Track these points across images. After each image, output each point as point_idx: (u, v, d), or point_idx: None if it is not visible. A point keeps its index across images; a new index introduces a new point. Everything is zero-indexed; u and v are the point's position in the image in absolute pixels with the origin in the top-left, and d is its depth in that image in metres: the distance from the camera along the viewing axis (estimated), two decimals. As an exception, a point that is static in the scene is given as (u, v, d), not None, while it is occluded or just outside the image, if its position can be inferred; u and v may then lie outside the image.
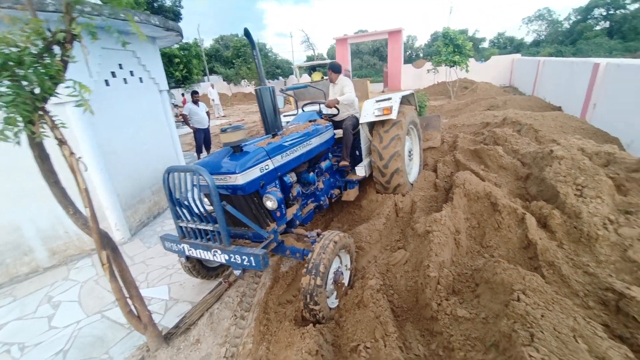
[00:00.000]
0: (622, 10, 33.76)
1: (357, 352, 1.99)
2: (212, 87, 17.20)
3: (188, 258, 2.75)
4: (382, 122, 3.83)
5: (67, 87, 1.70)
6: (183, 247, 2.54)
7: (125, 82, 4.26)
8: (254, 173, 2.50)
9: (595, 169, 2.68)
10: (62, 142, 1.82)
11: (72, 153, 1.86)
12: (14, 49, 1.58)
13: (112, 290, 2.13)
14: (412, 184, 4.21)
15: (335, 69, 4.00)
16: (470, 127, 6.22)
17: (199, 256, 2.50)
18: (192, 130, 7.49)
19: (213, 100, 16.77)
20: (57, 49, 1.71)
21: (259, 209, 2.63)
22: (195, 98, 7.23)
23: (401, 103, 4.06)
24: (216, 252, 2.38)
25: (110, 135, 3.96)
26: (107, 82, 3.93)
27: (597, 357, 1.41)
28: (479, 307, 2.06)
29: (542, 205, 2.80)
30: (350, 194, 3.88)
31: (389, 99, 3.81)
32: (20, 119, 1.63)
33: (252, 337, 2.56)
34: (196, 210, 2.35)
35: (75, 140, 3.43)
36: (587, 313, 1.94)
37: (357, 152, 4.05)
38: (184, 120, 7.20)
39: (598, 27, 36.08)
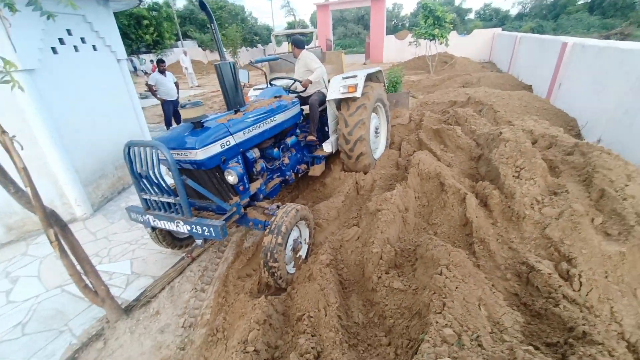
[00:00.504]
0: (604, -14, 33.74)
1: (302, 321, 2.18)
2: (185, 54, 16.26)
3: (154, 229, 2.90)
4: (348, 99, 3.84)
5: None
6: (148, 218, 2.64)
7: (77, 50, 4.00)
8: (215, 149, 2.55)
9: (533, 152, 2.88)
10: (-8, 121, 1.77)
11: (4, 132, 1.81)
12: None
13: (65, 267, 2.18)
14: (375, 160, 4.33)
15: (298, 43, 3.99)
16: (439, 105, 6.34)
17: (163, 227, 2.60)
18: (160, 102, 7.19)
19: (186, 68, 15.92)
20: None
21: (220, 183, 2.73)
22: (162, 67, 6.87)
23: (370, 80, 4.07)
24: (179, 222, 2.49)
25: (64, 108, 3.79)
26: (54, 50, 3.68)
27: (493, 322, 1.64)
28: (413, 279, 2.28)
29: (486, 185, 3.01)
30: (317, 170, 3.95)
31: (355, 76, 3.82)
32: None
33: (211, 309, 2.72)
34: (157, 185, 2.44)
35: (21, 114, 3.27)
36: (505, 284, 2.19)
37: (326, 128, 4.10)
38: (150, 91, 6.89)
39: (581, 2, 36.12)
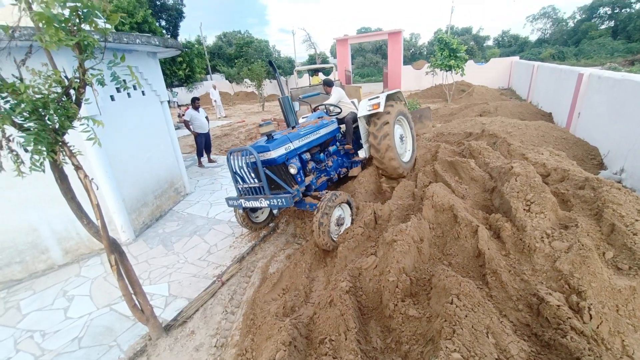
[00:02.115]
0: (628, 10, 33.50)
1: (324, 344, 2.38)
2: (214, 87, 17.53)
3: (244, 209, 4.23)
4: (374, 116, 4.90)
5: (82, 124, 2.09)
6: (241, 202, 3.90)
7: (129, 96, 4.64)
8: (281, 151, 3.85)
9: (542, 187, 3.03)
10: (78, 168, 2.22)
11: (86, 175, 2.25)
12: (39, 96, 1.96)
13: (119, 288, 2.53)
14: (408, 165, 5.31)
15: (329, 83, 5.55)
16: (455, 135, 6.55)
17: (251, 205, 3.84)
18: (192, 135, 7.87)
19: (215, 101, 17.11)
20: (72, 92, 2.10)
21: (286, 174, 3.96)
22: (197, 104, 7.60)
23: (391, 100, 5.22)
24: (262, 200, 3.72)
25: (116, 146, 4.36)
26: (112, 98, 4.32)
27: (500, 349, 1.78)
28: (427, 307, 2.44)
29: (499, 217, 3.16)
30: (355, 171, 5.41)
31: (378, 97, 4.90)
32: (44, 149, 2.02)
33: (240, 330, 2.97)
34: (248, 176, 3.84)
35: (86, 154, 3.83)
36: (517, 315, 2.30)
37: (360, 140, 5.21)
38: (186, 126, 7.59)
39: (603, 27, 35.83)
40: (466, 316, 1.96)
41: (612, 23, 35.13)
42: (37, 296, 3.53)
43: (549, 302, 2.13)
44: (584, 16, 37.69)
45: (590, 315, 2.07)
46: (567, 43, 35.16)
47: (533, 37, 44.17)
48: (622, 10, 33.73)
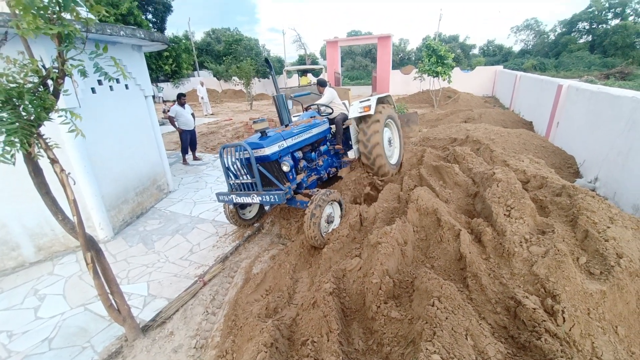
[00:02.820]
0: (604, 25, 35.15)
1: (306, 345, 2.37)
2: (202, 84, 17.24)
3: (234, 205, 4.24)
4: (365, 117, 5.03)
5: (60, 115, 2.00)
6: (232, 197, 3.86)
7: (112, 89, 4.50)
8: (275, 148, 3.88)
9: (522, 193, 3.12)
10: (54, 161, 2.13)
11: (62, 170, 2.16)
12: (13, 85, 1.87)
13: (95, 287, 2.44)
14: (395, 166, 5.48)
15: (322, 83, 5.61)
16: (440, 141, 6.68)
17: (242, 201, 3.83)
18: (177, 131, 7.70)
19: (202, 98, 16.82)
20: (50, 82, 2.01)
21: (278, 171, 4.00)
22: (183, 100, 7.45)
23: (381, 103, 5.41)
24: (254, 195, 3.73)
25: (96, 140, 4.21)
26: (93, 90, 4.17)
27: (478, 351, 1.82)
28: (409, 309, 2.46)
29: (480, 222, 3.23)
30: (344, 171, 5.53)
31: (369, 99, 5.02)
32: (17, 141, 1.92)
33: (221, 331, 2.91)
34: (240, 172, 3.87)
35: (63, 146, 3.67)
36: (495, 317, 2.36)
37: (350, 142, 5.33)
38: (171, 122, 7.42)
39: (581, 40, 37.44)
40: (446, 318, 1.99)
41: (590, 37, 36.77)
42: (5, 295, 3.35)
43: (525, 305, 2.19)
44: (564, 29, 39.29)
45: (564, 318, 2.14)
46: (548, 55, 36.57)
47: (516, 48, 45.71)
48: (599, 26, 35.38)
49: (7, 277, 3.66)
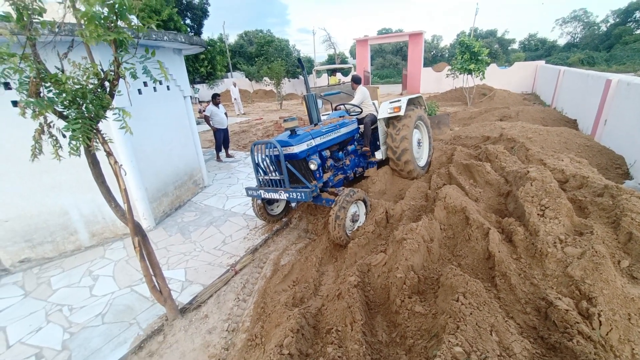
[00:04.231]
0: (666, 14, 31.69)
1: (330, 334, 2.46)
2: (234, 85, 17.92)
3: (262, 200, 4.39)
4: (394, 119, 5.03)
5: (114, 114, 2.26)
6: (260, 192, 4.03)
7: (155, 90, 4.87)
8: (303, 146, 3.97)
9: (558, 192, 2.99)
10: (109, 154, 2.39)
11: (116, 162, 2.43)
12: (78, 87, 2.14)
13: (140, 269, 2.70)
14: (423, 168, 5.45)
15: (356, 80, 5.54)
16: (472, 139, 6.47)
17: (270, 197, 3.96)
18: (212, 129, 8.11)
19: (235, 99, 17.48)
20: (107, 84, 2.27)
21: (306, 169, 4.09)
22: (217, 101, 7.84)
23: (412, 104, 5.36)
24: (281, 192, 3.85)
25: (141, 137, 4.59)
26: (139, 91, 4.55)
27: (503, 347, 1.81)
28: (434, 305, 2.48)
29: (512, 221, 3.14)
30: (370, 171, 5.43)
31: (399, 100, 4.98)
32: (80, 136, 2.19)
33: (250, 317, 3.10)
34: (269, 168, 3.96)
35: (114, 144, 4.05)
36: (524, 317, 2.31)
37: (378, 142, 5.33)
38: (206, 121, 7.84)
39: (639, 31, 34.05)
40: (471, 314, 1.99)
41: (649, 28, 33.37)
42: (66, 274, 3.78)
43: (557, 306, 2.13)
44: (617, 20, 35.97)
45: (600, 321, 2.06)
46: (598, 48, 33.66)
47: (562, 41, 42.58)
48: (661, 15, 31.97)
49: (67, 259, 4.11)
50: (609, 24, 37.34)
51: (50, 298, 3.37)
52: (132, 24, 2.10)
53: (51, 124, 2.22)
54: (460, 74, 13.07)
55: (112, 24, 2.03)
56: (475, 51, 12.10)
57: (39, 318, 3.08)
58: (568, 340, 1.92)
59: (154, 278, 2.81)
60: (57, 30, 2.13)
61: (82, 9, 1.90)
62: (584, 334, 1.95)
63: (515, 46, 45.19)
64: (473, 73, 12.52)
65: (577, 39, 40.66)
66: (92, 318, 3.04)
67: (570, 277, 2.39)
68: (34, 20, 1.98)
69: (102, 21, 1.95)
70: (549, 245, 2.66)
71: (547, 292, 2.36)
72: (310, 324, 2.68)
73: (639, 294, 2.19)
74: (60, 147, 2.20)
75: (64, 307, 3.20)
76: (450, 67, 13.99)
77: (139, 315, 3.06)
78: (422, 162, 5.56)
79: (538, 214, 2.96)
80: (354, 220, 4.02)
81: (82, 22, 1.93)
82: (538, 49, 41.28)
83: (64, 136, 2.18)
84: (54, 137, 2.22)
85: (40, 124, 2.17)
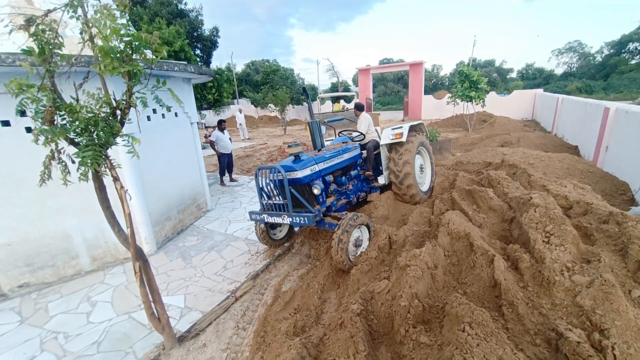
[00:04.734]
0: (659, 45, 32.71)
1: (332, 366, 2.37)
2: (240, 111, 18.42)
3: (265, 224, 4.39)
4: (396, 144, 5.11)
5: (123, 140, 2.34)
6: (264, 217, 4.06)
7: (163, 117, 5.03)
8: (307, 171, 4.04)
9: (562, 219, 2.96)
10: (116, 179, 2.44)
11: (122, 187, 2.47)
12: (90, 115, 2.23)
13: (140, 295, 2.66)
14: (426, 193, 5.48)
15: (359, 107, 5.72)
16: (474, 165, 6.51)
17: (273, 221, 4.00)
18: (216, 154, 8.25)
19: (240, 124, 17.91)
20: (118, 112, 2.37)
21: (309, 194, 4.14)
22: (223, 126, 8.05)
23: (414, 130, 5.48)
24: (284, 216, 3.88)
25: (148, 162, 4.68)
26: (148, 118, 4.70)
27: (512, 382, 1.73)
28: (439, 335, 2.39)
29: (517, 248, 3.09)
30: (373, 196, 5.43)
31: (401, 127, 5.10)
32: (89, 161, 2.25)
33: (250, 347, 2.99)
34: (273, 192, 4.00)
35: (121, 168, 4.14)
36: (535, 350, 2.21)
37: (380, 167, 5.39)
38: (211, 145, 8.01)
39: (633, 61, 35.00)
40: (478, 345, 1.92)
41: (643, 58, 34.28)
42: (64, 299, 3.72)
43: (568, 337, 2.05)
44: (612, 51, 37.10)
45: (614, 355, 1.97)
46: (595, 77, 34.48)
47: (559, 70, 43.65)
48: (654, 45, 32.99)
49: (66, 284, 4.07)
50: (603, 55, 38.49)
51: (46, 325, 3.30)
52: (146, 57, 2.23)
53: (61, 150, 2.30)
54: (461, 101, 13.37)
55: (127, 57, 2.16)
56: (474, 80, 12.46)
57: (33, 346, 3.00)
58: (581, 376, 1.83)
59: (152, 305, 2.76)
60: (74, 62, 2.26)
61: (100, 43, 2.04)
62: (597, 369, 1.86)
63: (514, 75, 46.40)
64: (473, 100, 12.82)
65: (574, 69, 41.74)
66: (87, 346, 2.96)
67: (580, 307, 2.32)
68: (54, 54, 2.11)
69: (118, 55, 2.07)
70: (556, 273, 2.60)
71: (556, 322, 2.28)
72: (311, 354, 2.59)
73: (653, 325, 2.10)
74: (69, 172, 2.26)
75: (60, 335, 3.13)
76: (450, 95, 14.35)
77: (136, 344, 2.97)
78: (424, 187, 5.60)
79: (543, 241, 2.92)
80: (357, 245, 3.98)
81: (99, 55, 2.05)
82: (536, 78, 42.32)
83: (73, 162, 2.24)
84: (63, 163, 2.29)
85: (52, 150, 2.24)
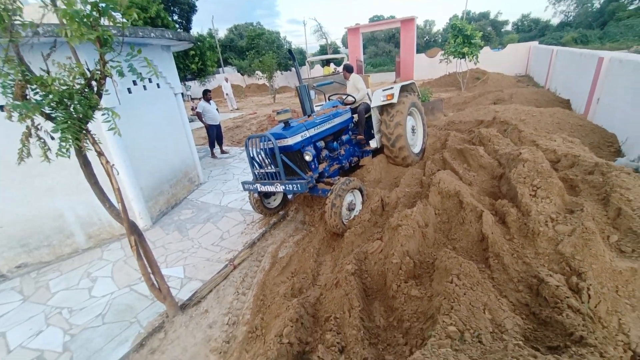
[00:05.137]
0: (659, -11, 31.38)
1: (329, 321, 2.51)
2: (226, 80, 17.73)
3: (259, 194, 4.32)
4: (387, 106, 5.02)
5: (103, 114, 2.24)
6: (256, 186, 4.05)
7: (145, 89, 4.82)
8: (297, 138, 3.98)
9: (549, 172, 3.01)
10: (100, 154, 2.38)
11: (107, 161, 2.42)
12: (64, 87, 2.11)
13: (138, 268, 2.72)
14: (418, 155, 5.46)
15: (348, 69, 5.56)
16: (466, 124, 6.47)
17: (266, 190, 3.99)
18: (204, 126, 8.06)
19: (227, 94, 17.32)
20: (94, 83, 2.25)
21: (301, 161, 4.11)
22: (208, 97, 7.77)
23: (405, 90, 5.34)
24: (277, 184, 3.86)
25: (134, 137, 4.56)
26: (129, 90, 4.50)
27: (495, 324, 1.85)
28: (429, 288, 2.51)
29: (505, 203, 3.17)
30: (366, 160, 5.41)
31: (392, 88, 4.99)
32: (70, 137, 2.18)
33: (250, 310, 3.14)
34: (264, 161, 3.97)
35: (106, 144, 4.03)
36: (517, 295, 2.35)
37: (372, 130, 5.32)
38: (198, 117, 7.79)
39: (632, 7, 33.74)
40: (464, 294, 2.03)
41: (642, 3, 33.00)
42: (64, 277, 3.80)
43: (548, 282, 2.17)
44: (610, -4, 35.58)
45: (589, 295, 2.10)
46: (592, 26, 33.36)
47: (555, 21, 42.07)
48: (653, -11, 31.65)
49: (65, 262, 4.13)
50: (602, 1, 36.96)
51: (49, 301, 3.39)
52: (117, 21, 2.07)
53: (39, 127, 2.21)
54: (453, 58, 12.97)
55: (95, 22, 2.00)
56: (468, 34, 12.00)
57: (38, 322, 3.11)
58: (558, 315, 1.97)
59: (152, 276, 2.83)
60: (39, 30, 2.09)
61: (63, 7, 1.87)
62: (573, 308, 1.99)
63: (509, 28, 44.73)
64: (467, 57, 12.44)
65: (571, 18, 40.24)
66: (92, 319, 3.08)
67: (561, 254, 2.43)
68: (15, 22, 1.95)
69: (85, 20, 1.92)
70: (540, 224, 2.69)
71: (538, 269, 2.40)
72: (309, 313, 2.72)
73: (626, 267, 2.23)
74: (49, 149, 2.19)
75: (64, 310, 3.23)
76: (443, 52, 13.88)
77: (140, 314, 3.09)
78: (416, 149, 5.58)
79: (530, 195, 2.99)
80: (351, 209, 4.03)
81: (64, 21, 1.89)
82: (532, 30, 40.88)
83: (52, 138, 2.17)
84: (42, 140, 2.21)
85: (28, 126, 2.15)
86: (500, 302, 2.00)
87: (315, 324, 2.65)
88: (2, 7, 1.87)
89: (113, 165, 2.39)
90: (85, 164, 2.42)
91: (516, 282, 2.44)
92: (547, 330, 1.96)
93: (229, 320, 3.03)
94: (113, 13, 2.01)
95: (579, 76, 8.60)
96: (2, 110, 3.56)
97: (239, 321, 3.04)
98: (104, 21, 2.05)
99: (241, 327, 2.95)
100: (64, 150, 2.14)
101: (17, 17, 1.92)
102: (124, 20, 2.09)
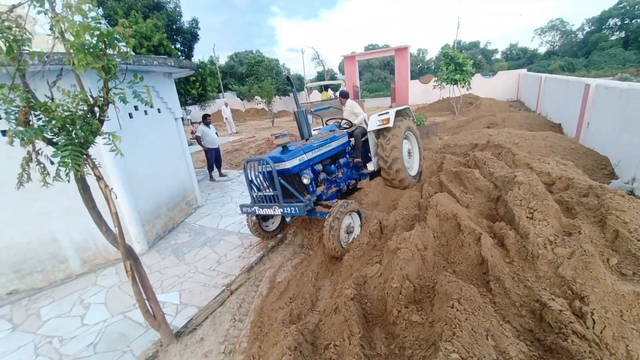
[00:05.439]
0: (638, 20, 33.28)
1: (328, 349, 2.43)
2: (226, 105, 18.12)
3: (257, 217, 4.40)
4: (384, 130, 5.14)
5: (103, 138, 2.29)
6: (255, 209, 4.06)
7: (146, 114, 4.93)
8: (295, 161, 4.03)
9: (545, 195, 3.05)
10: (99, 178, 2.40)
11: (106, 185, 2.43)
12: (67, 113, 2.17)
13: (133, 294, 2.65)
14: (415, 178, 5.54)
15: (344, 95, 5.81)
16: (461, 147, 6.60)
17: (264, 213, 4.00)
18: (203, 149, 8.15)
19: (226, 118, 17.64)
20: (96, 109, 2.31)
21: (299, 184, 4.15)
22: (208, 121, 7.92)
23: (401, 115, 5.52)
24: (275, 207, 3.87)
25: (133, 160, 4.60)
26: (130, 115, 4.60)
27: (499, 351, 1.81)
28: (430, 313, 2.47)
29: (502, 225, 3.18)
30: (363, 183, 5.51)
31: (387, 112, 5.14)
32: (69, 162, 2.20)
33: (247, 337, 3.04)
34: (263, 184, 3.98)
35: (105, 167, 4.06)
36: (520, 320, 2.31)
37: (369, 154, 5.43)
38: (197, 141, 7.89)
39: (613, 37, 35.56)
40: (466, 319, 1.99)
41: (622, 34, 34.85)
42: (56, 304, 3.68)
43: (551, 307, 2.14)
44: (593, 28, 37.59)
45: (594, 320, 2.07)
46: (577, 55, 34.95)
47: (542, 50, 44.12)
48: (633, 21, 33.53)
49: (57, 288, 4.02)
50: (585, 32, 38.98)
51: (39, 330, 3.27)
52: (121, 51, 2.17)
53: (39, 152, 2.24)
54: (446, 84, 13.43)
55: (101, 52, 2.09)
56: (460, 62, 12.50)
57: (27, 352, 2.98)
58: (563, 341, 1.93)
59: (147, 302, 2.76)
60: (46, 59, 2.18)
61: (71, 38, 1.96)
62: (578, 334, 1.95)
63: (498, 56, 46.74)
64: (459, 83, 12.88)
65: (557, 47, 42.22)
66: (83, 348, 2.96)
67: (562, 277, 2.42)
68: (23, 52, 2.03)
69: (91, 50, 2.01)
70: (539, 247, 2.69)
71: (540, 293, 2.37)
72: (308, 340, 2.64)
73: (629, 290, 2.21)
74: (48, 174, 2.21)
75: (54, 339, 3.11)
76: (436, 79, 14.37)
77: (133, 343, 2.98)
78: (413, 172, 5.66)
79: (527, 217, 3.01)
80: (349, 231, 4.02)
81: (71, 51, 1.98)
82: (520, 58, 42.70)
83: (52, 163, 2.19)
84: (42, 165, 2.23)
85: (28, 151, 2.18)
86: (503, 327, 1.96)
87: (315, 351, 2.57)
88: (12, 37, 1.96)
89: (112, 189, 2.40)
90: (84, 189, 2.42)
91: (518, 306, 2.40)
92: (553, 357, 1.91)
93: (225, 349, 2.92)
94: (118, 43, 2.11)
95: (568, 102, 8.89)
96: (4, 135, 3.62)
97: (235, 349, 2.93)
98: (109, 50, 2.14)
99: (238, 356, 2.85)
100: (65, 174, 2.16)
101: (25, 47, 2.00)
102: (127, 49, 2.19)
